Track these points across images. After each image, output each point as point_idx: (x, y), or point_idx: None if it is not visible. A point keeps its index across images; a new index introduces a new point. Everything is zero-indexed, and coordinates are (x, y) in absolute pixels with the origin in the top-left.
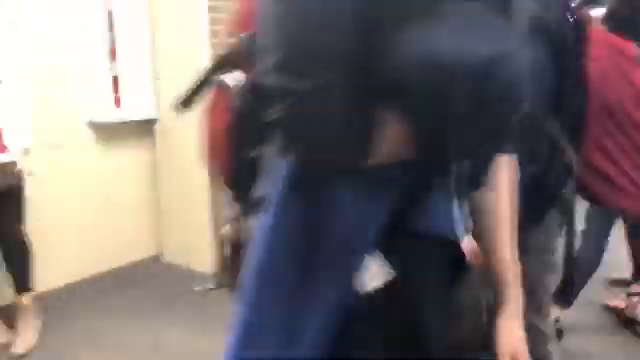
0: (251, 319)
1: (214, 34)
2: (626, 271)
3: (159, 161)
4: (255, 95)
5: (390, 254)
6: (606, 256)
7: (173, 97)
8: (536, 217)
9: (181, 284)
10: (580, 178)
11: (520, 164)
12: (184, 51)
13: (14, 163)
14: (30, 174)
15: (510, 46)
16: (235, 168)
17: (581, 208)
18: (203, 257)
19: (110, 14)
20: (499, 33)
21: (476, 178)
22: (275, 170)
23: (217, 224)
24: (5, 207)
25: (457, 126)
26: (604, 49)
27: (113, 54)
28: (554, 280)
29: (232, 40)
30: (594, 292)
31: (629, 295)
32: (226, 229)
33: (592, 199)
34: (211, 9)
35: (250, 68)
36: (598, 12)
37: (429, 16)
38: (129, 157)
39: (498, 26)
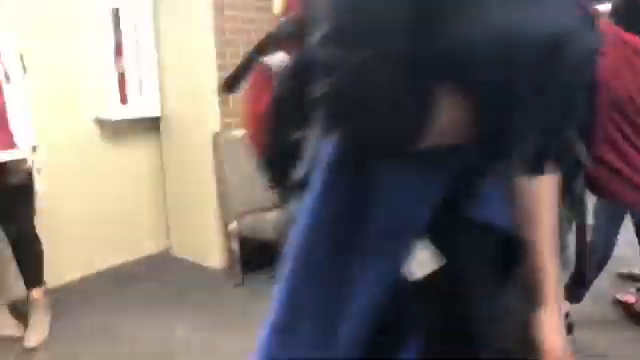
0: (288, 305)
1: (219, 31)
2: (636, 266)
3: (166, 157)
4: (299, 75)
5: (440, 242)
6: (616, 251)
7: (178, 94)
8: None
9: (190, 279)
10: (589, 173)
11: None
12: (189, 49)
13: (24, 160)
14: (39, 171)
15: (576, 23)
16: (274, 151)
17: (590, 203)
18: (211, 252)
19: (116, 12)
20: (566, 10)
21: (536, 163)
22: (317, 153)
23: (225, 219)
24: (15, 203)
25: (520, 105)
26: (613, 43)
27: (119, 52)
28: (564, 275)
29: (278, 21)
30: (604, 287)
31: (639, 290)
32: (234, 225)
33: (601, 194)
34: (216, 7)
35: (293, 49)
36: (605, 7)
37: None
38: (136, 154)
39: (564, 2)
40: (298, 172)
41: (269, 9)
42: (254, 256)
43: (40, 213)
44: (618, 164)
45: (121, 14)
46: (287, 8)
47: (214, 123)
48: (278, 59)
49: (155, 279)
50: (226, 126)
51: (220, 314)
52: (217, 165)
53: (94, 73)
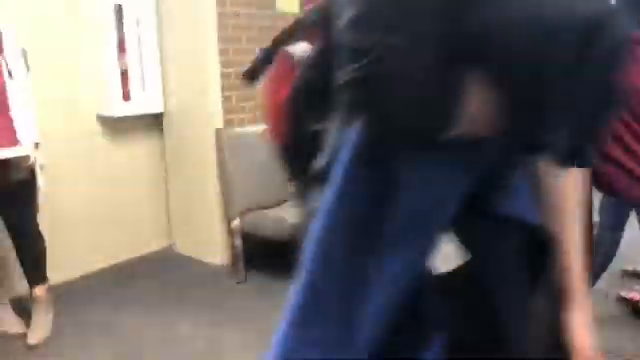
0: (305, 303)
1: (222, 27)
2: None
3: (168, 154)
4: (321, 65)
5: (466, 236)
6: (621, 248)
7: (181, 91)
8: None
9: (192, 276)
10: (595, 169)
11: None
12: (192, 45)
13: (27, 157)
14: (42, 168)
15: (611, 8)
16: (294, 142)
17: (595, 200)
18: (214, 249)
19: (119, 8)
20: None
21: (568, 156)
22: (339, 144)
23: (228, 216)
24: (18, 200)
25: (554, 93)
26: None
27: (122, 48)
28: None
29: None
30: (608, 284)
31: None
32: (236, 222)
33: (607, 190)
34: (219, 3)
35: (316, 40)
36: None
37: None
38: (138, 150)
39: None
40: (318, 164)
41: (272, 5)
42: (257, 253)
43: (42, 210)
44: (624, 160)
45: (124, 10)
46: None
47: (217, 119)
48: (301, 49)
49: (158, 276)
50: (229, 123)
51: (223, 311)
52: (220, 162)
53: (97, 70)
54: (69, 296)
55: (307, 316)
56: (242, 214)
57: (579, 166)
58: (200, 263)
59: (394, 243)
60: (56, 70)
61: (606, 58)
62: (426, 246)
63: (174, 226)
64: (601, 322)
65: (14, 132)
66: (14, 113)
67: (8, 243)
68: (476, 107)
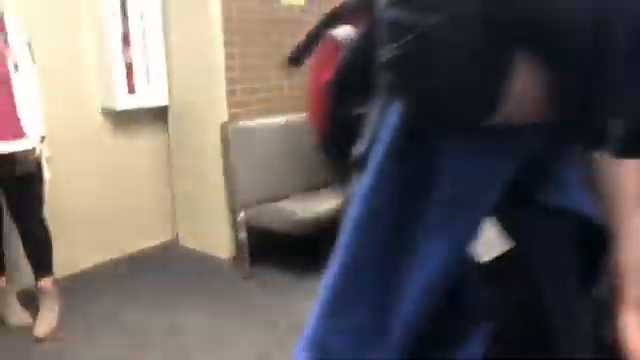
0: (340, 289)
1: (227, 20)
2: None
3: (173, 147)
4: (364, 49)
5: (510, 226)
6: None
7: (186, 84)
8: None
9: (197, 269)
10: None
11: None
12: (197, 38)
13: (33, 150)
14: (48, 160)
15: None
16: (336, 126)
17: None
18: (218, 242)
19: (123, 1)
20: None
21: (625, 145)
22: (379, 127)
23: (233, 209)
24: (24, 193)
25: (612, 76)
26: None
27: (127, 41)
28: None
29: None
30: None
31: None
32: (242, 215)
33: None
34: None
35: (360, 23)
36: None
37: None
38: (143, 143)
39: None
40: (358, 150)
41: None
42: (262, 246)
43: (48, 203)
44: None
45: (128, 3)
46: None
47: (222, 113)
48: (345, 32)
49: (162, 269)
50: (234, 116)
51: (228, 305)
52: (225, 155)
53: (101, 62)
54: (74, 288)
55: (339, 307)
56: (247, 207)
57: (638, 156)
58: (205, 256)
59: (433, 228)
60: (60, 63)
61: None
62: (467, 232)
63: (179, 219)
64: None
65: (20, 125)
66: (20, 106)
67: (15, 235)
68: (522, 89)
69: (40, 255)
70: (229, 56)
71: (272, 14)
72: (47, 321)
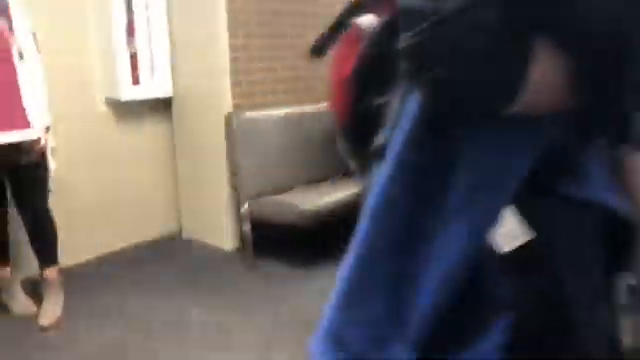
0: (356, 280)
1: (232, 11)
2: None
3: (177, 138)
4: (387, 37)
5: (532, 217)
6: None
7: (191, 75)
8: None
9: (201, 261)
10: None
11: None
12: (202, 29)
13: (38, 140)
14: (53, 150)
15: None
16: (357, 116)
17: None
18: (222, 234)
19: None
20: None
21: None
22: (399, 117)
23: (237, 202)
24: (30, 183)
25: (637, 64)
26: None
27: (131, 32)
28: None
29: None
30: None
31: None
32: (246, 207)
33: None
34: None
35: (382, 11)
36: None
37: None
38: (148, 134)
39: None
40: (379, 139)
41: None
42: (266, 239)
43: (52, 193)
44: None
45: None
46: None
47: (226, 104)
48: (368, 20)
49: (166, 260)
50: (238, 107)
51: (231, 296)
52: (229, 146)
53: (106, 53)
54: (79, 278)
55: (354, 298)
56: (251, 200)
57: None
58: (208, 248)
59: (452, 215)
60: (65, 53)
61: None
62: (486, 218)
63: (183, 211)
64: None
65: (25, 115)
66: (25, 96)
67: (19, 225)
68: (541, 77)
69: (45, 245)
70: (234, 47)
71: (277, 5)
72: (51, 310)
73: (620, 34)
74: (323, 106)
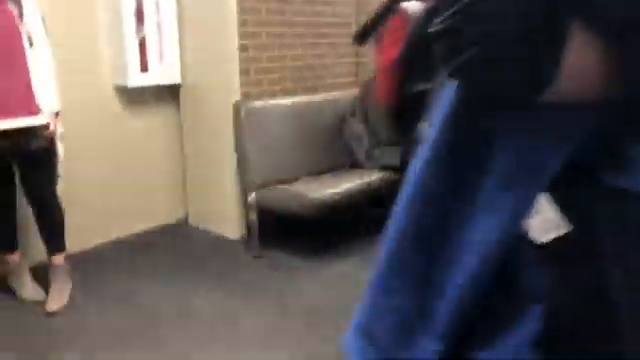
0: (388, 267)
1: (241, 0)
2: None
3: (185, 126)
4: (429, 23)
5: (572, 205)
6: None
7: (199, 62)
8: None
9: (207, 248)
10: None
11: None
12: (211, 16)
13: (47, 125)
14: (61, 136)
15: None
16: (402, 102)
17: None
18: (229, 223)
19: None
20: None
21: None
22: (438, 104)
23: (244, 190)
24: (38, 169)
25: None
26: None
27: (140, 18)
28: None
29: None
30: None
31: None
32: (252, 196)
33: None
34: None
35: None
36: None
37: None
38: (155, 121)
39: None
40: (422, 125)
41: None
42: (272, 227)
43: (60, 179)
44: None
45: None
46: None
47: (234, 92)
48: (415, 6)
49: (173, 248)
50: (247, 95)
51: (238, 284)
52: (237, 135)
53: (115, 39)
54: (86, 265)
55: (383, 289)
56: (258, 188)
57: None
58: (215, 236)
59: (485, 206)
60: (74, 39)
61: None
62: (520, 206)
63: (190, 198)
64: None
65: (34, 101)
66: (34, 81)
67: (28, 211)
68: (577, 61)
69: (53, 231)
70: (243, 35)
71: None
72: (59, 297)
73: None
74: (331, 96)
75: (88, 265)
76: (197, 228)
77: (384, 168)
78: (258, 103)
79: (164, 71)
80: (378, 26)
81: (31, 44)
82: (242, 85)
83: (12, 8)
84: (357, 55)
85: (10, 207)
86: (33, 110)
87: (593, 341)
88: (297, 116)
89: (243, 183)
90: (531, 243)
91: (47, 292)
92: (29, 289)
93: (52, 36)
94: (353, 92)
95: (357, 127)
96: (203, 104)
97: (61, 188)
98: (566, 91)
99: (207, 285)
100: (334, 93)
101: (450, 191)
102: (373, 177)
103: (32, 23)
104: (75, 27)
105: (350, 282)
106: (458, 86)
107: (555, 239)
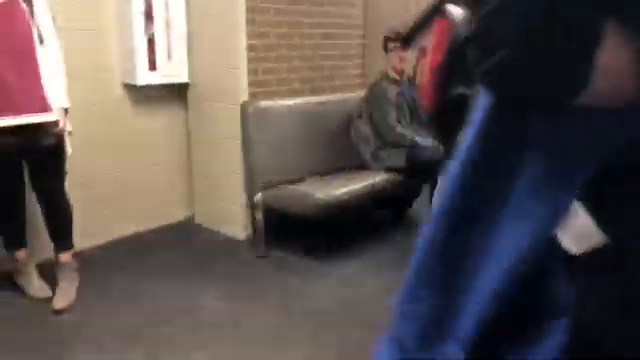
0: (417, 276)
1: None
2: None
3: (192, 125)
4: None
5: (603, 214)
6: None
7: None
8: None
9: (213, 248)
10: None
11: None
12: (220, 15)
13: (56, 122)
14: (70, 134)
15: None
16: (444, 106)
17: None
18: (235, 222)
19: None
20: None
21: None
22: (474, 109)
23: (250, 190)
24: (48, 166)
25: None
26: None
27: (149, 16)
28: None
29: None
30: None
31: None
32: (259, 196)
33: None
34: None
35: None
36: None
37: None
38: (163, 120)
39: None
40: (462, 130)
41: None
42: (278, 228)
43: (67, 176)
44: None
45: None
46: None
47: (242, 92)
48: (458, 11)
49: (179, 247)
50: (254, 95)
51: (243, 284)
52: (244, 135)
53: (123, 37)
54: (92, 262)
55: (411, 294)
56: (265, 188)
57: None
58: (221, 235)
59: (517, 212)
60: (83, 37)
61: None
62: (550, 218)
63: (196, 197)
64: None
65: (44, 97)
66: (45, 79)
67: (34, 208)
68: (610, 62)
69: (61, 228)
70: (251, 35)
71: None
72: (66, 294)
73: None
74: (338, 97)
75: (94, 263)
76: (203, 227)
77: (390, 169)
78: (265, 103)
79: (172, 70)
80: (423, 30)
81: (41, 41)
82: (250, 85)
83: (23, 7)
84: (364, 57)
85: (20, 205)
86: (43, 107)
87: (620, 351)
88: (304, 117)
89: (249, 183)
90: (563, 252)
91: (54, 289)
92: (36, 286)
93: (62, 34)
94: (360, 93)
95: (364, 128)
96: (211, 103)
97: (68, 185)
98: (600, 93)
99: (212, 284)
100: (341, 94)
101: (480, 197)
102: (378, 178)
103: (43, 21)
104: (84, 26)
105: (355, 282)
106: (490, 92)
107: (589, 250)
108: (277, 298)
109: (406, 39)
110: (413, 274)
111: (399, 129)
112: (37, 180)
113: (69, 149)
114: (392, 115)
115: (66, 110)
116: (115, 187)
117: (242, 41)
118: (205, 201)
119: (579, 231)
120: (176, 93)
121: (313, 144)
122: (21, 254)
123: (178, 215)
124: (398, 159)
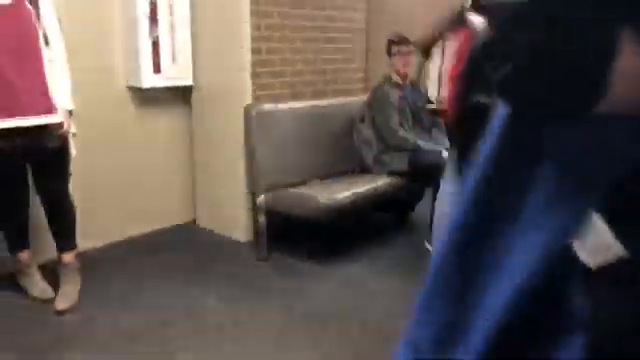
0: (433, 284)
1: (254, 2)
2: None
3: (196, 127)
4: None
5: (622, 226)
6: None
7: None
8: None
9: (215, 250)
10: None
11: None
12: (224, 18)
13: (61, 124)
14: (74, 136)
15: None
16: (464, 115)
17: None
18: (237, 225)
19: None
20: None
21: None
22: (491, 120)
23: (253, 193)
24: (52, 167)
25: None
26: None
27: (154, 19)
28: None
29: None
30: None
31: None
32: (261, 198)
33: None
34: None
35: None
36: None
37: None
38: (167, 123)
39: None
40: (480, 141)
41: None
42: (280, 231)
43: (71, 177)
44: None
45: None
46: None
47: (246, 95)
48: (479, 20)
49: (182, 249)
50: (258, 99)
51: (245, 287)
52: (247, 138)
53: (128, 40)
54: (94, 264)
55: (427, 302)
56: (267, 191)
57: None
58: (223, 238)
59: (530, 225)
60: (88, 39)
61: None
62: (568, 230)
63: (199, 200)
64: None
65: (49, 99)
66: (50, 80)
67: (38, 210)
68: (627, 71)
69: (64, 230)
70: (255, 38)
71: None
72: (68, 295)
73: None
74: (341, 100)
75: (96, 264)
76: (206, 230)
77: (392, 173)
78: (269, 106)
79: (177, 73)
80: (444, 39)
81: (47, 43)
82: (254, 88)
83: (30, 9)
84: (367, 60)
85: (24, 206)
86: (49, 108)
87: None
88: (307, 120)
89: (252, 186)
90: (581, 265)
91: (56, 291)
92: (39, 287)
93: (66, 36)
94: (362, 97)
95: (366, 132)
96: (214, 106)
97: (72, 187)
98: (617, 101)
99: (214, 287)
100: (344, 98)
101: (493, 212)
102: (380, 182)
103: (48, 23)
104: (89, 28)
105: (356, 286)
106: (506, 103)
107: (607, 264)
108: (278, 300)
109: (427, 49)
110: (429, 280)
111: (401, 133)
112: (41, 182)
113: (73, 151)
114: (395, 119)
115: (70, 112)
116: (118, 188)
117: (246, 44)
118: (208, 203)
119: (597, 244)
120: (180, 96)
121: (316, 147)
122: (24, 255)
123: (180, 217)
124: (400, 163)
